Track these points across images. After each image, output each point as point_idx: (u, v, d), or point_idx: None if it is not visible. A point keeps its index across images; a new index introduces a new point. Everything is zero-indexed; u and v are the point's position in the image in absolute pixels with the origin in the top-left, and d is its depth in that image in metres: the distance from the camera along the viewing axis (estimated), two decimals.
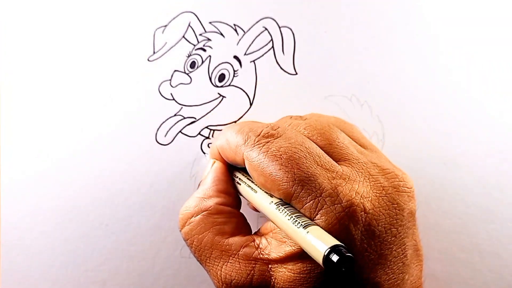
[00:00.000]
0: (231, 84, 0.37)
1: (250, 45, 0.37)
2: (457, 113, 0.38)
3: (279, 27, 0.37)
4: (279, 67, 0.37)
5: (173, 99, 0.37)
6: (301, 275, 0.24)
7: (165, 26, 0.37)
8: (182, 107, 0.37)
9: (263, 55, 0.37)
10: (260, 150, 0.26)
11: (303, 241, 0.23)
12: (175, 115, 0.37)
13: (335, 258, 0.21)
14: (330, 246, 0.21)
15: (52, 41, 0.36)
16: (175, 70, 0.37)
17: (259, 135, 0.27)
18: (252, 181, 0.28)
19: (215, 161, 0.32)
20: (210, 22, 0.37)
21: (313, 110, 0.37)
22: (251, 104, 0.37)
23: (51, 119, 0.37)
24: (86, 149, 0.37)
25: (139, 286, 0.38)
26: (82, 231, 0.37)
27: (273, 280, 0.25)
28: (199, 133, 0.37)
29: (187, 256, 0.38)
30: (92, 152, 0.37)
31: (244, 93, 0.37)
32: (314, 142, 0.27)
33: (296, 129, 0.28)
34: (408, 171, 0.38)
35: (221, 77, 0.37)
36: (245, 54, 0.37)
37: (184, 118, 0.37)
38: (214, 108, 0.37)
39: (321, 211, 0.24)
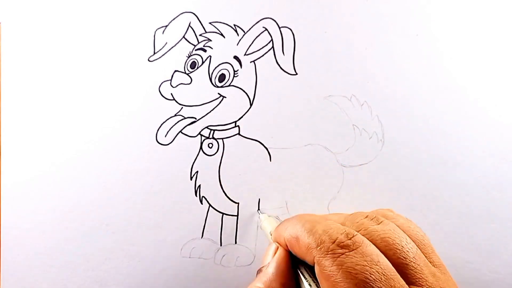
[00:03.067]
0: (231, 84, 0.37)
1: (250, 45, 0.37)
2: (457, 113, 0.38)
3: (279, 27, 0.37)
4: (279, 67, 0.37)
5: (174, 99, 0.37)
6: None
7: (166, 26, 0.37)
8: (182, 107, 0.37)
9: (263, 55, 0.37)
10: (334, 261, 0.25)
11: None
12: (175, 115, 0.37)
13: None
14: None
15: (53, 42, 0.37)
16: (176, 70, 0.37)
17: (333, 242, 0.26)
18: (317, 283, 0.28)
19: (278, 247, 0.30)
20: (210, 23, 0.37)
21: (313, 110, 0.37)
22: (251, 104, 0.37)
23: (52, 120, 0.37)
24: (86, 149, 0.37)
25: (139, 286, 0.38)
26: (82, 231, 0.37)
27: None
28: (199, 133, 0.37)
29: (187, 256, 0.38)
30: (92, 152, 0.37)
31: (244, 93, 0.37)
32: (390, 259, 0.26)
33: (373, 238, 0.27)
34: (408, 171, 0.38)
35: (221, 77, 0.37)
36: (245, 54, 0.37)
37: (185, 118, 0.37)
38: (214, 108, 0.37)
39: None
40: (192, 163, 0.37)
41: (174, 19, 0.37)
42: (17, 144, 0.37)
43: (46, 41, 0.36)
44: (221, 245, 0.38)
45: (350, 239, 0.26)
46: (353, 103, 0.38)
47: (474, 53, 0.38)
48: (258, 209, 0.38)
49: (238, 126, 0.37)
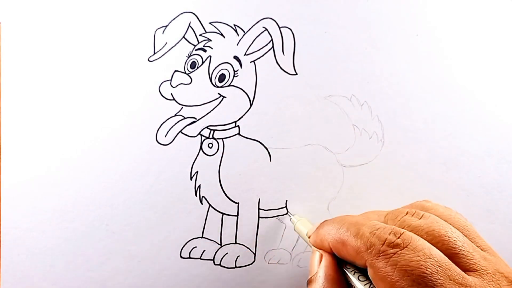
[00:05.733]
0: (231, 84, 0.37)
1: (250, 45, 0.37)
2: (457, 113, 0.38)
3: (279, 27, 0.37)
4: (279, 67, 0.37)
5: (174, 99, 0.37)
6: None
7: (166, 26, 0.37)
8: (182, 107, 0.37)
9: (263, 55, 0.37)
10: (388, 262, 0.25)
11: None
12: (175, 115, 0.37)
13: None
14: None
15: (53, 42, 0.37)
16: (176, 70, 0.37)
17: (383, 243, 0.26)
18: (369, 282, 0.28)
19: (322, 255, 0.30)
20: (210, 23, 0.37)
21: (313, 110, 0.37)
22: (251, 104, 0.37)
23: (52, 120, 0.37)
24: (86, 149, 0.37)
25: (139, 286, 0.38)
26: (82, 231, 0.37)
27: None
28: (199, 133, 0.37)
29: (187, 256, 0.38)
30: (92, 153, 0.37)
31: (244, 93, 0.37)
32: (440, 250, 0.26)
33: (418, 233, 0.27)
34: (408, 171, 0.38)
35: (221, 77, 0.37)
36: (245, 54, 0.37)
37: (185, 118, 0.37)
38: (214, 108, 0.37)
39: None
40: (192, 163, 0.37)
41: (174, 19, 0.37)
42: (17, 144, 0.37)
43: (46, 41, 0.36)
44: (221, 245, 0.38)
45: (399, 238, 0.26)
46: (353, 103, 0.38)
47: (474, 53, 0.38)
48: (287, 212, 0.38)
49: (238, 126, 0.37)
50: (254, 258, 0.38)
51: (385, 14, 0.38)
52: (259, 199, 0.38)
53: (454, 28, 0.38)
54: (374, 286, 0.27)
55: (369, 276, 0.26)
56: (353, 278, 0.28)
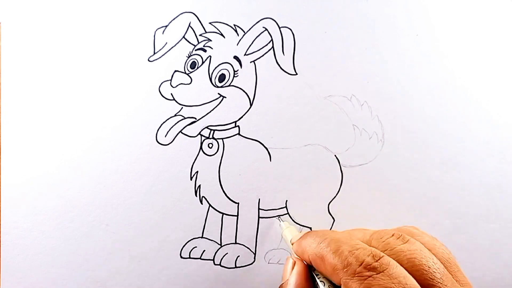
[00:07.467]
0: (231, 84, 0.37)
1: (250, 46, 0.37)
2: (457, 113, 0.38)
3: (279, 27, 0.37)
4: (279, 67, 0.37)
5: (174, 99, 0.37)
6: None
7: (166, 26, 0.37)
8: (182, 107, 0.37)
9: (263, 55, 0.37)
10: (361, 284, 0.25)
11: None
12: (175, 115, 0.37)
13: None
14: None
15: (53, 42, 0.37)
16: (176, 70, 0.37)
17: (360, 264, 0.26)
18: None
19: (295, 262, 0.31)
20: (210, 23, 0.37)
21: (313, 110, 0.37)
22: (251, 104, 0.37)
23: (52, 119, 0.37)
24: (87, 149, 0.37)
25: (139, 286, 0.38)
26: (82, 231, 0.37)
27: None
28: (199, 133, 0.37)
29: (187, 256, 0.38)
30: (93, 152, 0.37)
31: (244, 93, 0.37)
32: (417, 280, 0.26)
33: (399, 258, 0.27)
34: (408, 171, 0.38)
35: (221, 77, 0.37)
36: (245, 54, 0.37)
37: (185, 118, 0.37)
38: (214, 108, 0.37)
39: None
40: (192, 163, 0.37)
41: (174, 19, 0.37)
42: (17, 144, 0.37)
43: (46, 41, 0.36)
44: (221, 245, 0.38)
45: (377, 261, 0.26)
46: (353, 103, 0.38)
47: (474, 53, 0.38)
48: (279, 217, 0.38)
49: (238, 126, 0.37)
50: (254, 258, 0.38)
51: (385, 14, 0.38)
52: (259, 199, 0.38)
53: (454, 28, 0.38)
54: None
55: None
56: (322, 286, 0.28)
